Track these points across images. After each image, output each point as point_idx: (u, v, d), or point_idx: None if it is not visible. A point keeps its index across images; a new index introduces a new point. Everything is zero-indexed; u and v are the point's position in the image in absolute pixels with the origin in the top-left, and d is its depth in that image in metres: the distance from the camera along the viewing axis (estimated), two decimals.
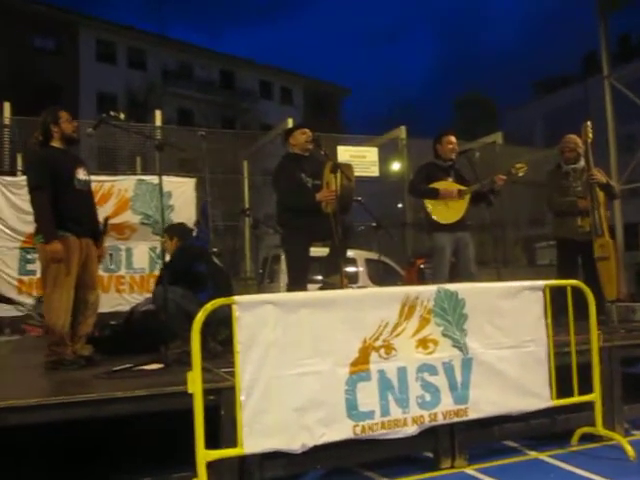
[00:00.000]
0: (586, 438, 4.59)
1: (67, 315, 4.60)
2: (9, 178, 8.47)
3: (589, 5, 12.41)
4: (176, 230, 5.81)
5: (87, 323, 4.84)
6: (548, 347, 4.32)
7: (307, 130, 5.67)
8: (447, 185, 6.12)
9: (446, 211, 6.07)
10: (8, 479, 3.59)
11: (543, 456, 4.42)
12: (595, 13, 12.26)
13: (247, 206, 10.52)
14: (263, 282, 9.10)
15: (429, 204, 6.14)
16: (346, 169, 5.38)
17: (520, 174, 6.01)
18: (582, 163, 6.35)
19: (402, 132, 12.77)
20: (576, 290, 4.49)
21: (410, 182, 6.83)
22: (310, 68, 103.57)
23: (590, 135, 6.15)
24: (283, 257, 6.20)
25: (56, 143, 4.81)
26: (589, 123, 6.18)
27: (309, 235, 5.52)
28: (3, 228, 8.13)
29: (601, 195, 6.14)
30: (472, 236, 6.28)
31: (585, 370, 4.43)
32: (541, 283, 4.42)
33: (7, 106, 10.15)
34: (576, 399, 4.37)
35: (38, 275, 8.02)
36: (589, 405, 4.47)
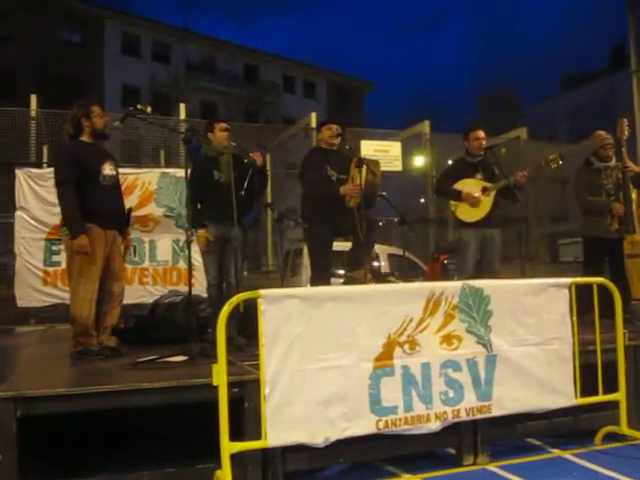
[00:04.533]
0: (610, 437, 4.55)
1: (92, 306, 4.65)
2: (35, 170, 8.56)
3: None
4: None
5: (112, 314, 4.89)
6: (573, 345, 4.28)
7: (333, 125, 5.66)
8: (473, 183, 6.06)
9: (470, 209, 6.02)
10: (39, 465, 3.63)
11: (566, 454, 4.38)
12: (624, 6, 12.11)
13: (270, 200, 10.53)
14: (286, 276, 9.13)
15: (453, 202, 6.11)
16: (372, 165, 5.37)
17: (553, 166, 5.92)
18: (614, 161, 6.27)
19: (426, 126, 12.69)
20: (602, 288, 4.45)
21: (436, 182, 6.80)
22: (334, 61, 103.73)
23: (626, 132, 6.07)
24: (305, 251, 6.20)
25: (86, 137, 4.84)
26: (625, 120, 6.10)
27: (332, 229, 5.52)
28: (29, 219, 8.22)
29: (634, 193, 6.07)
30: (499, 232, 6.22)
31: (610, 369, 4.39)
32: (567, 280, 4.38)
33: (33, 99, 10.26)
34: (600, 398, 4.33)
35: (63, 266, 8.07)
36: (613, 404, 4.43)
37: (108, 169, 4.88)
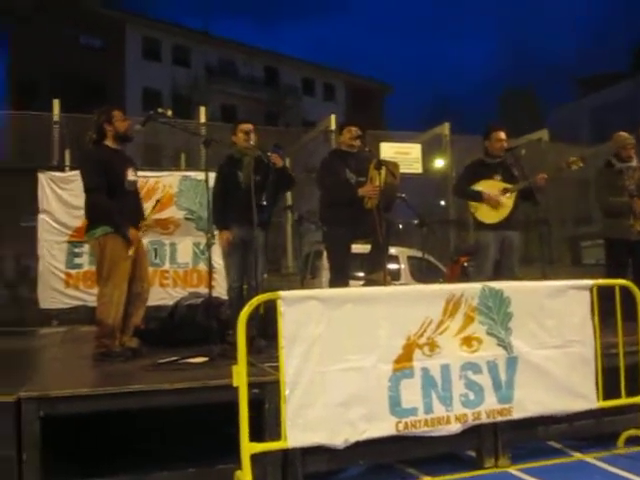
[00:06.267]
0: (632, 441, 4.49)
1: (119, 309, 4.71)
2: (58, 174, 8.64)
3: None
4: None
5: (137, 315, 4.96)
6: (595, 347, 4.25)
7: (352, 127, 5.66)
8: (492, 184, 6.02)
9: (490, 210, 5.98)
10: (62, 464, 3.67)
11: (588, 458, 4.35)
12: None
13: (290, 202, 10.55)
14: (305, 278, 9.13)
15: (473, 204, 6.07)
16: (392, 166, 5.36)
17: (574, 168, 5.87)
18: (635, 162, 6.22)
19: (446, 128, 12.65)
20: (625, 290, 4.41)
21: (455, 183, 6.78)
22: (353, 64, 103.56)
23: None
24: (325, 253, 6.22)
25: (110, 142, 4.90)
26: None
27: (351, 231, 5.51)
28: (52, 222, 8.31)
29: None
30: (519, 235, 6.17)
31: (632, 372, 4.35)
32: (589, 282, 4.35)
33: (56, 103, 10.36)
34: (623, 401, 4.30)
35: (85, 268, 8.22)
36: (636, 407, 4.39)
37: (131, 175, 4.94)
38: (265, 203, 5.05)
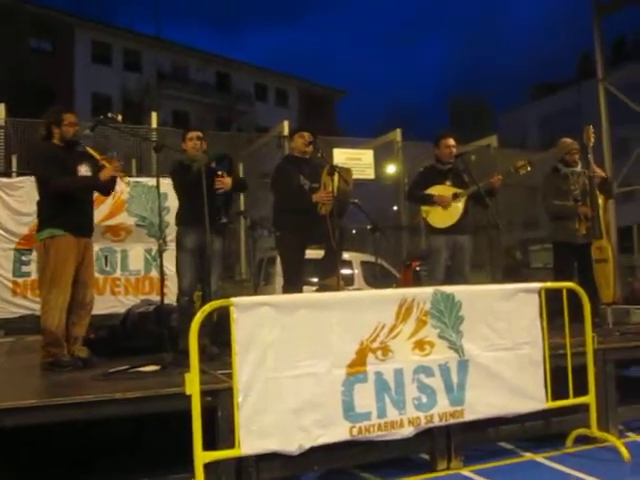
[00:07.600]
0: (581, 440, 4.62)
1: (62, 315, 4.60)
2: (4, 179, 8.42)
3: (586, 9, 12.52)
4: None
5: (82, 323, 4.83)
6: (544, 349, 4.34)
7: (305, 133, 5.66)
8: (443, 189, 6.11)
9: (442, 215, 6.06)
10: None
11: (538, 457, 4.44)
12: (590, 17, 12.36)
13: (243, 208, 10.51)
14: (259, 284, 9.11)
15: (425, 208, 6.15)
16: (344, 172, 5.39)
17: (522, 172, 5.99)
18: (579, 167, 6.39)
19: (397, 135, 12.76)
20: (572, 293, 4.51)
21: (408, 189, 6.85)
22: (307, 71, 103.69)
23: (592, 139, 6.18)
24: (278, 259, 6.20)
25: (57, 142, 4.82)
26: (591, 127, 6.22)
27: (304, 237, 5.52)
28: None
29: (601, 198, 6.18)
30: (470, 239, 6.26)
31: (580, 372, 4.46)
32: (537, 285, 4.44)
33: (2, 107, 10.12)
34: (571, 401, 4.39)
35: (33, 277, 8.01)
36: (584, 407, 4.50)
37: (84, 170, 4.85)
38: (219, 212, 5.01)
